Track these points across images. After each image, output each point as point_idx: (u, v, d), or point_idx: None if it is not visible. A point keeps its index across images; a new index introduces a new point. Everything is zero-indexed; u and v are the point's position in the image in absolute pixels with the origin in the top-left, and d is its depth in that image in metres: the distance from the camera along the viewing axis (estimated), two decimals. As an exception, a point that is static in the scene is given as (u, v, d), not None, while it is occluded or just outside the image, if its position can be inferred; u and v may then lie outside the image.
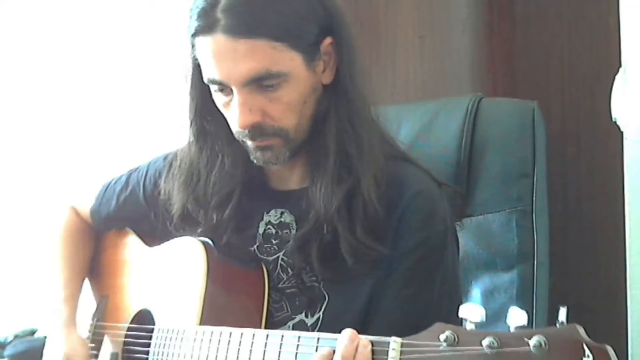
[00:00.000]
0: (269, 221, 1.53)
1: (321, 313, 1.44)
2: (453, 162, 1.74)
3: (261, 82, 1.38)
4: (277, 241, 1.52)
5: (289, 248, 1.48)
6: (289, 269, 1.49)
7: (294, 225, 1.50)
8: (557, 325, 0.99)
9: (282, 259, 1.50)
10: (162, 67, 2.28)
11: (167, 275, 1.57)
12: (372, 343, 1.14)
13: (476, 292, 1.72)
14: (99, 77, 2.42)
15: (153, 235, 1.65)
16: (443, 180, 1.57)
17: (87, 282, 1.79)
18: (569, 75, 2.39)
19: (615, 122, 1.68)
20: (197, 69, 1.47)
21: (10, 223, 2.40)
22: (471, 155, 1.74)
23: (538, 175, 1.71)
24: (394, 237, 1.42)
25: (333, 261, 1.42)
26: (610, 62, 1.79)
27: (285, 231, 1.51)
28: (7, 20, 2.38)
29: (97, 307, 1.74)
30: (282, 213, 1.52)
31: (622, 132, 1.67)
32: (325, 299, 1.45)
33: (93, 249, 1.81)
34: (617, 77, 1.67)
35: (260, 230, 1.53)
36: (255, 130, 1.41)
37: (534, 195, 1.71)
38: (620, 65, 1.66)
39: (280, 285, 1.49)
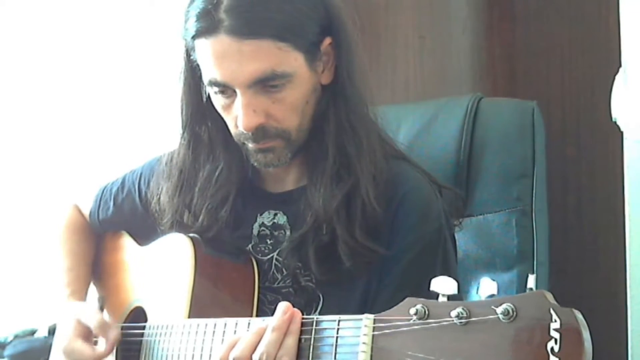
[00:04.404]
0: (262, 223, 1.53)
1: (317, 313, 1.44)
2: (452, 162, 1.74)
3: (265, 83, 1.38)
4: (271, 241, 1.51)
5: (283, 249, 1.47)
6: (283, 269, 1.49)
7: (288, 227, 1.50)
8: (526, 291, 0.99)
9: (276, 259, 1.50)
10: (162, 67, 2.28)
11: (157, 272, 1.57)
12: (346, 321, 1.14)
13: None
14: (99, 77, 2.42)
15: (148, 236, 1.65)
16: (444, 182, 1.56)
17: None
18: (569, 75, 2.38)
19: (615, 122, 1.68)
20: (192, 72, 1.46)
21: (11, 223, 2.40)
22: (471, 155, 1.74)
23: (537, 175, 1.71)
24: (389, 236, 1.42)
25: (329, 262, 1.42)
26: (610, 62, 1.79)
27: (279, 232, 1.51)
28: (7, 20, 2.37)
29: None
30: (275, 214, 1.52)
31: (622, 132, 1.67)
32: (320, 300, 1.45)
33: (95, 248, 1.81)
34: (617, 77, 1.67)
35: (255, 232, 1.53)
36: (259, 132, 1.41)
37: (534, 195, 1.70)
38: (620, 65, 1.66)
39: (275, 285, 1.49)
